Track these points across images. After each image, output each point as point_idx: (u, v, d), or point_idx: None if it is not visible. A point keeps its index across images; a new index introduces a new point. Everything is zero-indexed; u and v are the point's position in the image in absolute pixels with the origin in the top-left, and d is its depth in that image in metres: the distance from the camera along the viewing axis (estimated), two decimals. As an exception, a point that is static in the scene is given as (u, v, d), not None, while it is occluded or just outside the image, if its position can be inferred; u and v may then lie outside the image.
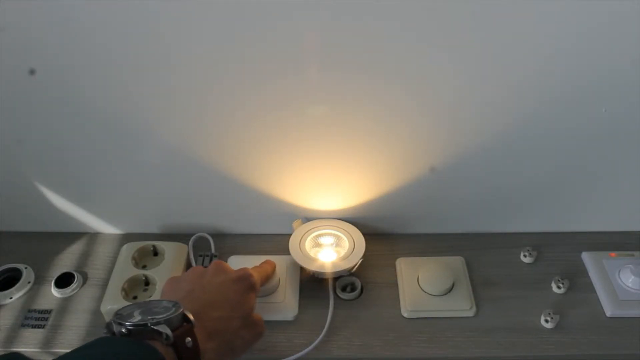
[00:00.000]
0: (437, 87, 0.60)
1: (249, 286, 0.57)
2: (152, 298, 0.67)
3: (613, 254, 0.74)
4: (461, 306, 0.68)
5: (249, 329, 0.55)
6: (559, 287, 0.70)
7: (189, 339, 0.46)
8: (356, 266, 0.70)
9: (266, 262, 0.68)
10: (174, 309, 0.47)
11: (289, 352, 0.64)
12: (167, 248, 0.73)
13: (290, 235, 0.74)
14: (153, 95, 0.61)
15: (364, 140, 0.66)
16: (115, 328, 0.46)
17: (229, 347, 0.52)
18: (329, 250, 0.73)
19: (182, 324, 0.47)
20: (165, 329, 0.45)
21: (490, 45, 0.55)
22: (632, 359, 0.65)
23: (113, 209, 0.77)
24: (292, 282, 0.71)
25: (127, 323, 0.45)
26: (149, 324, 0.45)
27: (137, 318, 0.46)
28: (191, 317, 0.48)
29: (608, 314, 0.68)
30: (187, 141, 0.66)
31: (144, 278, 0.70)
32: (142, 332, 0.45)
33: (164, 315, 0.46)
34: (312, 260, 0.71)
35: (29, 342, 0.66)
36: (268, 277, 0.66)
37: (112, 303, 0.66)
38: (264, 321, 0.58)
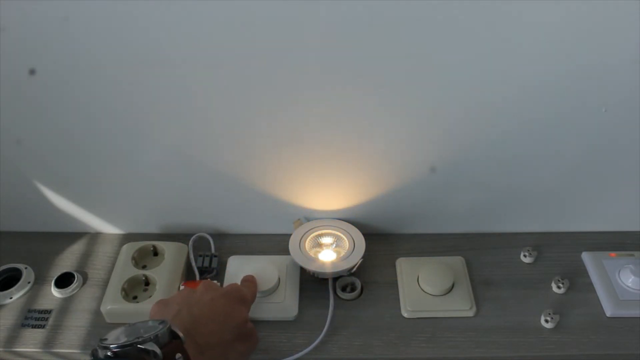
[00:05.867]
0: (438, 88, 0.60)
1: (239, 298, 0.57)
2: (151, 298, 0.67)
3: (613, 254, 0.74)
4: (461, 306, 0.68)
5: (243, 340, 0.55)
6: (559, 287, 0.70)
7: (179, 354, 0.45)
8: (356, 266, 0.70)
9: (246, 279, 0.67)
10: (160, 326, 0.46)
11: (289, 352, 0.64)
12: (167, 248, 0.73)
13: (290, 235, 0.74)
14: (153, 95, 0.61)
15: (364, 140, 0.66)
16: (101, 353, 0.44)
17: None
18: (329, 251, 0.73)
19: (170, 341, 0.46)
20: (152, 347, 0.43)
21: (490, 45, 0.55)
22: (632, 359, 0.65)
23: (113, 209, 0.77)
24: (292, 282, 0.71)
25: (112, 346, 0.43)
26: (135, 344, 0.43)
27: (122, 340, 0.44)
28: (180, 333, 0.47)
29: (608, 314, 0.68)
30: (187, 141, 0.66)
31: (144, 278, 0.70)
32: (128, 353, 0.43)
33: (151, 333, 0.45)
34: (312, 260, 0.71)
35: (29, 342, 0.66)
36: (254, 294, 0.65)
37: (112, 303, 0.66)
38: (256, 330, 0.58)
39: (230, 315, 0.54)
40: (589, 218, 0.77)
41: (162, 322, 0.47)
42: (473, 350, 0.65)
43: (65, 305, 0.70)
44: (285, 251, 0.72)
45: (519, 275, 0.73)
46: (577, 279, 0.72)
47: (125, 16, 0.53)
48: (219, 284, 0.63)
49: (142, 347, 0.43)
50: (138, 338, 0.44)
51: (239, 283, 0.68)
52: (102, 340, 0.45)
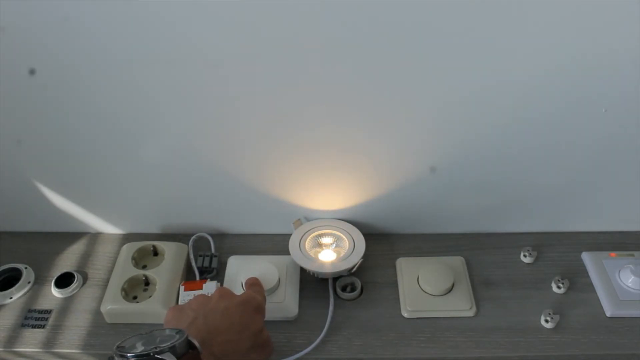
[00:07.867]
0: (438, 88, 0.60)
1: (254, 307, 0.57)
2: (151, 298, 0.67)
3: (613, 254, 0.74)
4: (461, 306, 0.68)
5: (259, 349, 0.55)
6: (559, 287, 0.70)
7: None
8: (356, 266, 0.70)
9: (254, 283, 0.65)
10: (177, 336, 0.46)
11: (289, 352, 0.64)
12: (167, 248, 0.73)
13: (290, 235, 0.74)
14: (153, 95, 0.61)
15: (364, 140, 0.66)
16: None
17: None
18: (329, 251, 0.73)
19: (187, 351, 0.46)
20: (170, 357, 0.43)
21: (491, 46, 0.55)
22: (632, 359, 0.65)
23: (113, 209, 0.77)
24: (292, 282, 0.71)
25: (129, 355, 0.43)
26: (152, 354, 0.43)
27: (139, 349, 0.44)
28: (196, 343, 0.46)
29: (608, 314, 0.68)
30: (188, 141, 0.66)
31: (144, 278, 0.70)
32: None
33: (168, 343, 0.45)
34: (312, 260, 0.71)
35: (29, 342, 0.66)
36: (265, 299, 0.65)
37: (112, 303, 0.66)
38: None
39: (246, 325, 0.54)
40: (589, 218, 0.77)
41: (179, 331, 0.47)
42: (473, 350, 0.65)
43: (65, 305, 0.70)
44: (285, 251, 0.72)
45: (519, 275, 0.73)
46: (577, 279, 0.72)
47: (124, 16, 0.53)
48: (220, 284, 0.63)
49: (160, 357, 0.43)
50: (155, 348, 0.44)
51: (239, 283, 0.68)
52: (118, 347, 0.45)
